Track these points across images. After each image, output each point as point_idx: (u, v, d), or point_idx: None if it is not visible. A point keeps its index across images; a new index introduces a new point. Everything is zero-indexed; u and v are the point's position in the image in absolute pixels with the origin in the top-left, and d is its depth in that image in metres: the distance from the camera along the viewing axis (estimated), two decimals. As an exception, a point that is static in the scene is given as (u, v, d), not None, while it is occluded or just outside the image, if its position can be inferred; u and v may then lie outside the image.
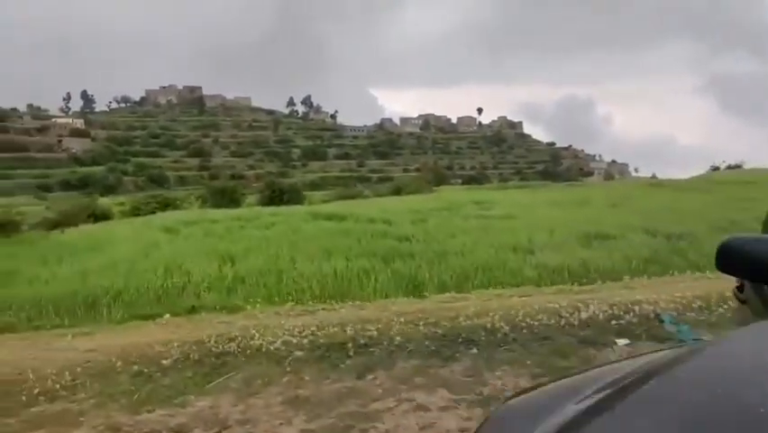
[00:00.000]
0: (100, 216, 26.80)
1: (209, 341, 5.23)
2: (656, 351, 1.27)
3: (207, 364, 4.80)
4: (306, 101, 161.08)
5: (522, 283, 9.85)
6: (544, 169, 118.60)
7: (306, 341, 5.15)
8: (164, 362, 4.82)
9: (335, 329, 5.42)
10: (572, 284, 7.52)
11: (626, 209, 21.28)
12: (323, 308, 6.71)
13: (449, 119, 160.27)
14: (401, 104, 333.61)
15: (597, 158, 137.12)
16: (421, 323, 5.57)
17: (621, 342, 5.23)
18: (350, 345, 5.05)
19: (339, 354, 4.93)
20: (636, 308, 5.79)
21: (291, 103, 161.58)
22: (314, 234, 14.82)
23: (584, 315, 5.61)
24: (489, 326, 5.44)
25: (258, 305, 7.11)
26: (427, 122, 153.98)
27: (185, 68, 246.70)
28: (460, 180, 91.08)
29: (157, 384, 4.42)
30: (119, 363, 4.78)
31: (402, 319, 5.68)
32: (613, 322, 5.55)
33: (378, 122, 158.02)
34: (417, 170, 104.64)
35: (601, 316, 5.61)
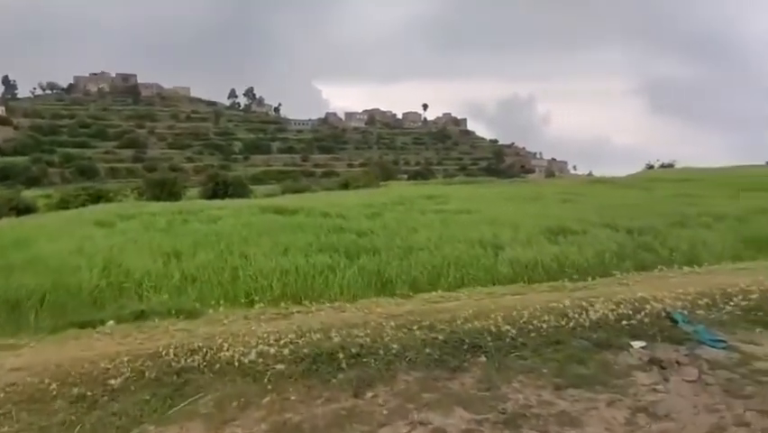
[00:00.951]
0: (23, 210, 24.54)
1: (167, 354, 4.33)
2: None
3: (167, 384, 3.92)
4: (249, 93, 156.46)
5: (497, 280, 9.38)
6: (488, 165, 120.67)
7: (286, 351, 4.35)
8: (112, 382, 3.90)
9: (318, 336, 4.64)
10: (563, 281, 7.03)
11: (578, 205, 21.44)
12: (298, 311, 5.91)
13: (394, 114, 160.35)
14: (346, 98, 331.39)
15: (537, 155, 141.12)
16: (415, 327, 4.88)
17: (637, 344, 4.75)
18: (340, 354, 4.30)
19: (328, 367, 4.16)
20: (644, 306, 5.34)
21: (233, 94, 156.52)
22: (266, 228, 13.83)
23: (593, 315, 5.10)
24: (493, 329, 4.82)
25: (220, 307, 6.17)
26: (372, 117, 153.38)
27: (118, 55, 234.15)
28: (405, 176, 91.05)
29: (105, 412, 3.52)
30: (54, 386, 3.82)
31: (393, 323, 4.97)
32: (624, 322, 5.07)
33: (322, 116, 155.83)
34: (362, 165, 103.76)
35: (611, 316, 5.12)
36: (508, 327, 4.83)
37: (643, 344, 4.76)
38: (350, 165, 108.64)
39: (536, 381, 4.06)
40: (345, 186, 45.11)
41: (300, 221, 15.40)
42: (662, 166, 61.17)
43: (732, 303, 5.61)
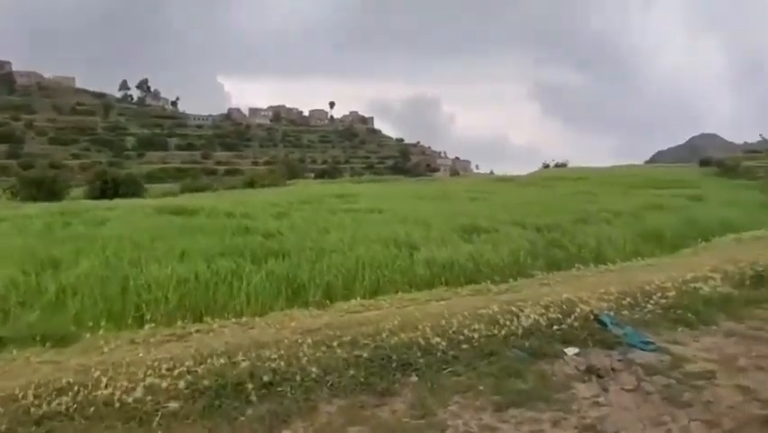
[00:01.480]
0: None
1: (24, 397, 3.41)
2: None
3: (22, 439, 3.04)
4: (143, 85, 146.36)
5: (414, 282, 9.02)
6: (395, 164, 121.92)
7: (182, 384, 3.59)
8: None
9: (222, 361, 3.92)
10: (486, 283, 6.76)
11: (486, 203, 21.86)
12: (197, 330, 5.08)
13: (301, 112, 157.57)
14: (250, 94, 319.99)
15: (442, 154, 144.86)
16: (335, 343, 4.30)
17: (570, 351, 4.50)
18: (248, 384, 3.62)
19: (235, 402, 3.47)
20: (572, 309, 5.13)
21: (125, 86, 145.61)
22: (161, 231, 12.58)
23: (524, 321, 4.80)
24: (421, 342, 4.35)
25: (100, 329, 5.20)
26: (278, 114, 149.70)
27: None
28: (312, 174, 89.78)
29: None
30: None
31: (310, 340, 4.35)
32: (555, 328, 4.82)
33: (224, 111, 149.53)
34: (268, 162, 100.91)
35: (542, 321, 4.84)
36: (438, 339, 4.39)
37: (576, 350, 4.52)
38: (255, 163, 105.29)
39: (474, 401, 3.64)
40: (250, 184, 43.40)
41: (201, 222, 14.25)
42: (557, 165, 64.98)
43: (652, 302, 5.58)
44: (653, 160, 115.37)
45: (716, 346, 4.69)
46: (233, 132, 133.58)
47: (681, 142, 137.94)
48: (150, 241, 11.09)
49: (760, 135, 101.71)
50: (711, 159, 61.35)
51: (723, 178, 39.40)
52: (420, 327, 4.63)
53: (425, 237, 12.01)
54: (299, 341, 4.35)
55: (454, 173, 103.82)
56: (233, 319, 5.46)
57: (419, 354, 4.17)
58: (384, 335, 4.48)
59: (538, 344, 4.53)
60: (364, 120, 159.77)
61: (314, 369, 3.83)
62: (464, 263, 9.65)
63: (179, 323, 5.39)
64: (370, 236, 11.83)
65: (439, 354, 4.20)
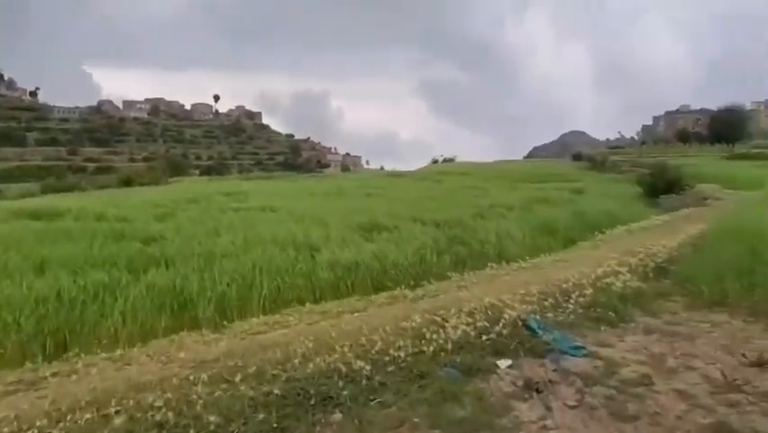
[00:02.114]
0: None
1: None
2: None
3: None
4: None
5: (318, 286, 8.35)
6: (285, 160, 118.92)
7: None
8: None
9: (88, 416, 3.00)
10: (401, 288, 6.24)
11: (382, 198, 21.60)
12: (54, 373, 3.99)
13: (182, 105, 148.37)
14: (124, 85, 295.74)
15: (333, 150, 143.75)
16: (238, 378, 3.53)
17: (503, 364, 4.10)
18: (123, 449, 2.75)
19: (105, 477, 2.61)
20: (498, 315, 4.77)
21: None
22: (16, 238, 10.80)
23: (452, 333, 4.33)
24: (342, 367, 3.72)
25: None
26: (156, 107, 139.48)
27: None
28: (197, 171, 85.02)
29: None
30: None
31: (205, 376, 3.54)
32: (484, 338, 4.41)
33: (94, 104, 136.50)
34: (147, 159, 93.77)
35: (470, 332, 4.41)
36: (361, 363, 3.78)
37: (509, 362, 4.13)
38: (132, 160, 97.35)
39: (411, 438, 3.08)
40: (126, 183, 39.85)
41: (66, 227, 12.45)
42: (445, 160, 67.14)
43: (572, 301, 5.40)
44: (530, 155, 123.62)
45: (641, 346, 4.55)
46: (104, 126, 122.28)
47: (554, 138, 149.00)
48: (2, 251, 9.39)
49: (619, 133, 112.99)
50: (582, 154, 66.90)
51: (594, 171, 42.86)
52: (338, 348, 3.99)
53: (324, 237, 11.35)
54: (191, 378, 3.52)
55: (345, 169, 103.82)
56: (104, 354, 4.40)
57: (341, 383, 3.52)
58: (296, 361, 3.79)
59: (470, 358, 4.08)
60: (252, 115, 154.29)
61: (212, 417, 3.04)
62: (369, 264, 9.13)
63: (29, 364, 4.25)
64: (265, 238, 10.93)
65: (364, 381, 3.59)
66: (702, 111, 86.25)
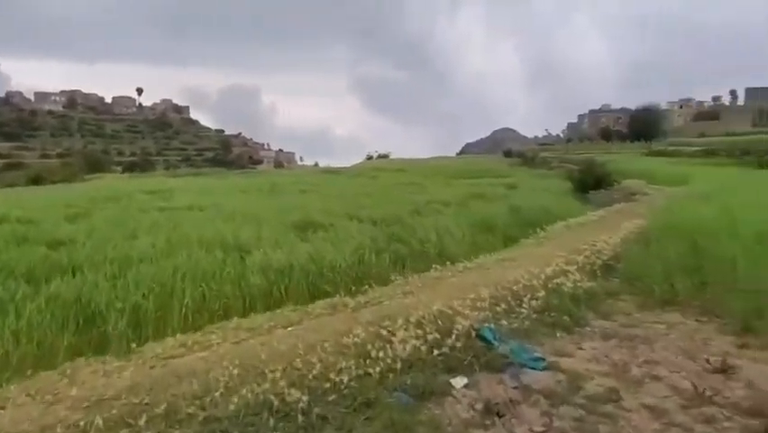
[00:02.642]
0: None
1: None
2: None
3: None
4: None
5: (249, 293, 7.61)
6: (215, 156, 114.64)
7: None
8: None
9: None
10: (341, 295, 5.65)
11: (317, 195, 20.86)
12: None
13: (102, 98, 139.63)
14: (36, 76, 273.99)
15: (265, 146, 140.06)
16: (142, 420, 2.86)
17: (458, 383, 3.64)
18: None
19: None
20: (449, 325, 4.31)
21: None
22: None
23: (400, 350, 3.82)
24: (273, 400, 3.12)
25: None
26: (73, 99, 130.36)
27: None
28: (120, 168, 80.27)
29: None
30: None
31: (100, 420, 2.83)
32: (436, 353, 3.92)
33: (2, 95, 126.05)
34: (62, 155, 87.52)
35: (420, 347, 3.92)
36: (296, 393, 3.19)
37: (465, 380, 3.67)
38: (44, 155, 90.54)
39: (358, 489, 2.54)
40: (35, 181, 36.77)
41: (-46, 231, 10.99)
42: (380, 157, 66.94)
43: (525, 305, 5.04)
44: (463, 151, 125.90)
45: (601, 354, 4.23)
46: (13, 119, 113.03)
47: (486, 135, 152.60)
48: None
49: (546, 130, 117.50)
50: (512, 151, 68.74)
51: (525, 167, 43.90)
52: (269, 374, 3.38)
53: (256, 237, 10.57)
54: (82, 425, 2.81)
55: (279, 165, 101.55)
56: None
57: (272, 421, 2.92)
58: (218, 394, 3.14)
59: (422, 379, 3.58)
60: (179, 109, 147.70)
61: (103, 481, 2.36)
62: (305, 266, 8.47)
63: None
64: (190, 239, 10.02)
65: (300, 416, 3.00)
66: (623, 110, 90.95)
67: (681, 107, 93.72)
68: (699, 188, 13.22)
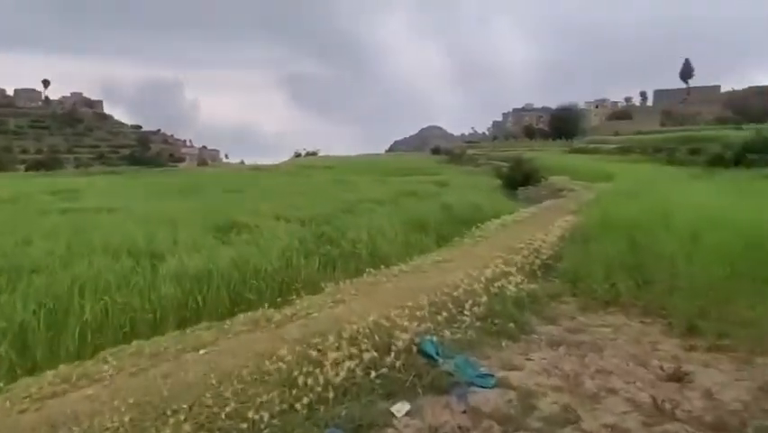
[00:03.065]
0: None
1: None
2: None
3: None
4: None
5: (160, 306, 6.76)
6: (132, 154, 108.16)
7: None
8: None
9: None
10: (264, 308, 4.99)
11: (242, 195, 19.82)
12: None
13: (3, 90, 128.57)
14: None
15: (188, 143, 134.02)
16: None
17: (400, 410, 3.16)
18: None
19: None
20: (387, 340, 3.82)
21: None
22: None
23: (332, 374, 3.29)
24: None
25: None
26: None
27: None
28: (23, 166, 74.09)
29: None
30: None
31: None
32: (374, 375, 3.42)
33: None
34: (-45, 152, 79.65)
35: (356, 369, 3.40)
36: (205, 440, 2.57)
37: (407, 406, 3.20)
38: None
39: None
40: None
41: None
42: (308, 154, 65.81)
43: (467, 312, 4.65)
44: (391, 149, 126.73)
45: (551, 365, 3.89)
46: None
47: (414, 132, 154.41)
48: None
49: (472, 128, 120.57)
50: (440, 148, 69.75)
51: (453, 164, 44.48)
52: (171, 416, 2.74)
53: (171, 241, 9.66)
54: None
55: (202, 163, 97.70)
56: None
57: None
58: (101, 449, 2.47)
59: (358, 409, 3.07)
60: (91, 103, 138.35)
61: None
62: (226, 273, 7.69)
63: None
64: (95, 245, 8.95)
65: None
66: (544, 109, 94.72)
67: (597, 107, 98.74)
68: (624, 184, 13.55)
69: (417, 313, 4.39)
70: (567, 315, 4.96)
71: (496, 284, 5.31)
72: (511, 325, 4.55)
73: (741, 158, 26.56)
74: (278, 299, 5.75)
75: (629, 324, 4.70)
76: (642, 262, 5.65)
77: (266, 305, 5.25)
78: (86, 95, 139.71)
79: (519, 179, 20.87)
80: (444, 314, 4.48)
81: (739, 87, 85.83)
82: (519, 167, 21.51)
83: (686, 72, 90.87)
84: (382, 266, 6.82)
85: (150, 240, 9.62)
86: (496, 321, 4.57)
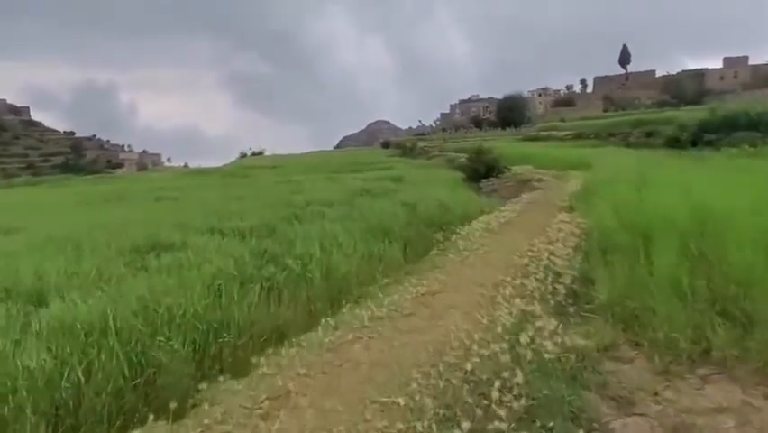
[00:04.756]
0: None
1: None
2: None
3: None
4: None
5: (11, 391, 4.59)
6: (65, 162, 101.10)
7: None
8: None
9: None
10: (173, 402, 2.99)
11: (176, 203, 17.37)
12: None
13: None
14: None
15: (126, 148, 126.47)
16: None
17: None
18: None
19: None
20: None
21: None
22: None
23: None
24: None
25: None
26: None
27: None
28: (-62, 180, 67.61)
29: None
30: None
31: None
32: None
33: None
34: None
35: None
36: None
37: None
38: None
39: None
40: None
41: None
42: (254, 154, 62.84)
43: (495, 407, 2.78)
44: (340, 145, 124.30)
45: None
46: None
47: (362, 128, 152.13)
48: None
49: (419, 121, 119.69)
50: (390, 142, 68.07)
51: (405, 158, 42.73)
52: None
53: (68, 273, 7.42)
54: None
55: (142, 168, 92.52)
56: None
57: None
58: None
59: None
60: (16, 110, 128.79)
61: None
62: (128, 325, 5.51)
63: None
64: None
65: None
66: (490, 99, 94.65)
67: (540, 95, 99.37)
68: (605, 172, 11.98)
69: (411, 417, 2.48)
70: (642, 387, 3.17)
71: (523, 338, 3.49)
72: (569, 423, 2.72)
73: (698, 138, 26.04)
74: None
75: (750, 402, 2.95)
76: (722, 286, 3.90)
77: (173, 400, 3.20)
78: (9, 101, 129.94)
79: (482, 171, 19.28)
80: (463, 421, 2.58)
81: (673, 71, 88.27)
82: (480, 157, 19.92)
83: (624, 58, 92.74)
84: (345, 305, 4.86)
85: (39, 274, 7.38)
86: (545, 421, 2.72)
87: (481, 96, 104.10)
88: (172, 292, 6.52)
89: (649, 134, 30.02)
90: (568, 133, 40.36)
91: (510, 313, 3.92)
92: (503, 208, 10.34)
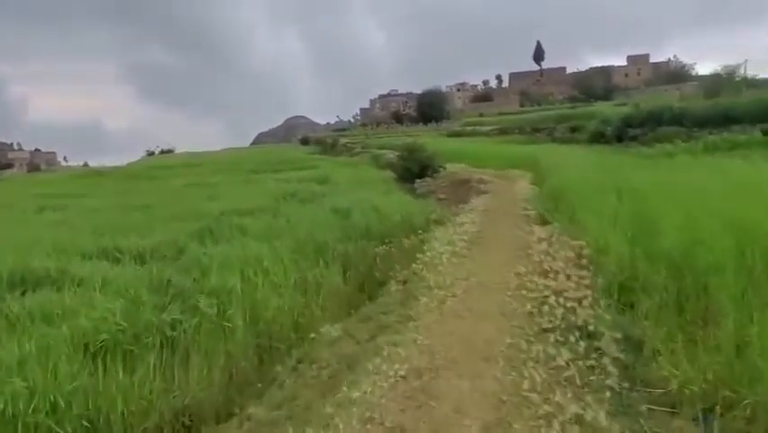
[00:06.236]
0: None
1: None
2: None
3: None
4: None
5: None
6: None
7: None
8: None
9: None
10: None
11: (61, 214, 14.62)
12: None
13: None
14: None
15: (16, 146, 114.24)
16: None
17: None
18: None
19: None
20: None
21: None
22: None
23: None
24: None
25: None
26: None
27: None
28: None
29: None
30: None
31: None
32: None
33: None
34: None
35: None
36: None
37: None
38: None
39: None
40: None
41: None
42: (163, 152, 58.29)
43: None
44: (256, 141, 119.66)
45: None
46: None
47: (279, 123, 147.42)
48: None
49: (338, 117, 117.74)
50: (309, 138, 65.73)
51: (326, 155, 40.85)
52: None
53: None
54: None
55: (34, 169, 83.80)
56: None
57: None
58: None
59: None
60: None
61: None
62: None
63: None
64: None
65: None
66: (409, 94, 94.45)
67: (458, 90, 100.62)
68: (570, 175, 10.65)
69: None
70: None
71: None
72: None
73: (623, 133, 26.34)
74: None
75: None
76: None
77: None
78: None
79: (415, 171, 18.00)
80: None
81: (582, 68, 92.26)
82: (413, 156, 18.64)
83: (538, 54, 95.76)
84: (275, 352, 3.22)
85: None
86: None
87: (401, 91, 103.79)
88: (29, 361, 4.62)
89: (574, 129, 30.24)
90: (493, 128, 40.31)
91: (532, 387, 2.46)
92: (458, 220, 8.96)
